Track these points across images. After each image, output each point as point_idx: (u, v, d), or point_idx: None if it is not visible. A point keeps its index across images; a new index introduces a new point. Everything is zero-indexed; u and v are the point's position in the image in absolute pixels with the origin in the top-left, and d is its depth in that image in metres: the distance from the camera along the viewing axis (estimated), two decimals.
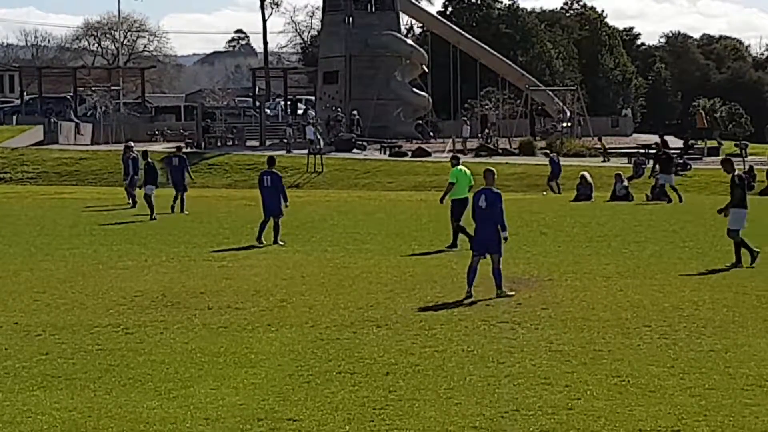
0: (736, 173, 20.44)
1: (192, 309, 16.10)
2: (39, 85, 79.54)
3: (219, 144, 59.43)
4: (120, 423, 10.26)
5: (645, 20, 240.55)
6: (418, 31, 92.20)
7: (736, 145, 53.68)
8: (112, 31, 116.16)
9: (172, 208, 32.35)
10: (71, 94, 76.18)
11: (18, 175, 51.82)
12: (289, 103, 75.83)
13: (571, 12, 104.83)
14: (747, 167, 44.49)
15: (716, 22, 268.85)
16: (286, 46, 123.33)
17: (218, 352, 13.16)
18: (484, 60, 73.01)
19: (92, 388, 11.56)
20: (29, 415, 10.54)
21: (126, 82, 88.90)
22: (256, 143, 60.27)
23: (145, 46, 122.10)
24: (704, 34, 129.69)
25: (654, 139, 54.22)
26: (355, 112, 61.57)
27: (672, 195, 35.05)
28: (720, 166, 21.87)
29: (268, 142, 60.29)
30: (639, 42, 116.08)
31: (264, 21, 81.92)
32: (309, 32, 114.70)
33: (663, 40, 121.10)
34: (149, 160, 32.64)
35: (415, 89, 67.23)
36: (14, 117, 72.22)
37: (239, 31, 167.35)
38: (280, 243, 23.95)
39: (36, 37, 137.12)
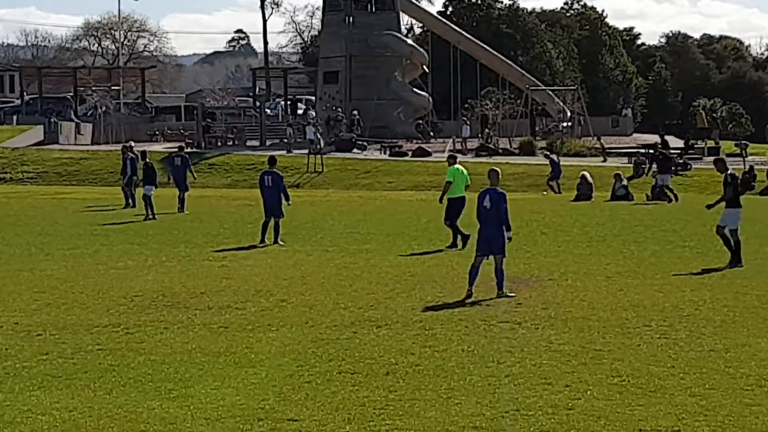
0: (729, 172, 20.47)
1: (192, 309, 16.11)
2: (39, 85, 79.51)
3: (219, 144, 59.44)
4: (120, 423, 10.26)
5: (645, 20, 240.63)
6: (418, 31, 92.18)
7: (736, 145, 53.67)
8: (113, 31, 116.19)
9: (180, 208, 32.37)
10: (71, 94, 76.15)
11: (18, 175, 51.84)
12: (288, 103, 75.77)
13: (572, 12, 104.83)
14: (747, 167, 44.52)
15: (716, 22, 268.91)
16: (286, 46, 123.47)
17: (218, 352, 13.16)
18: (484, 60, 73.01)
19: (92, 387, 11.57)
20: (29, 415, 10.54)
21: (126, 82, 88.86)
22: (256, 143, 60.28)
23: (145, 46, 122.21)
24: (704, 34, 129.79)
25: (654, 138, 54.21)
26: (355, 112, 61.57)
27: (647, 193, 35.36)
28: (713, 166, 21.92)
29: (268, 142, 60.29)
30: (639, 42, 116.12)
31: (264, 21, 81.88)
32: (309, 32, 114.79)
33: (663, 40, 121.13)
34: (148, 160, 32.60)
35: (415, 89, 67.23)
36: (14, 117, 72.20)
37: (239, 31, 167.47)
38: (281, 243, 23.95)
39: (36, 37, 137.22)
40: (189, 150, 50.48)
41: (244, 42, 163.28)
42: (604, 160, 51.37)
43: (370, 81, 64.94)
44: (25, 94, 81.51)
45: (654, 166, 37.66)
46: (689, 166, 48.10)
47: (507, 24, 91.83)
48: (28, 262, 21.47)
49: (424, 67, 68.07)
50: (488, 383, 11.59)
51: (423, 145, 58.02)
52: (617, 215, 30.89)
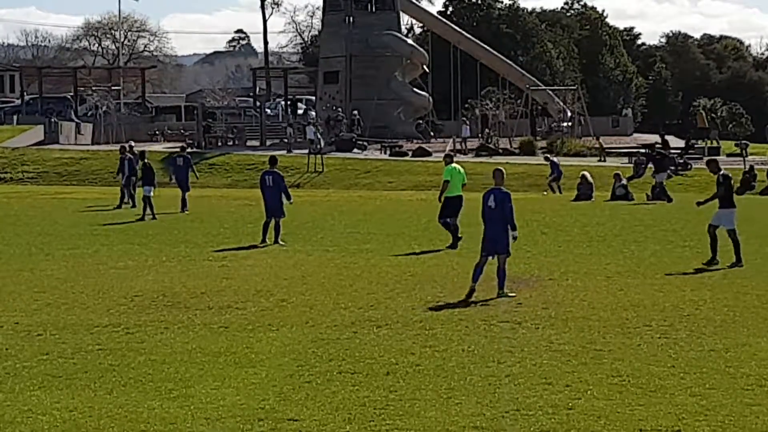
0: (722, 172, 20.52)
1: (192, 309, 16.11)
2: (39, 85, 79.53)
3: (219, 144, 59.47)
4: (120, 423, 10.26)
5: (645, 20, 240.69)
6: (418, 31, 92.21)
7: (736, 145, 53.68)
8: (113, 31, 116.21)
9: (182, 209, 32.37)
10: (72, 94, 76.17)
11: (18, 175, 51.86)
12: (288, 103, 75.78)
13: (572, 12, 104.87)
14: (747, 167, 44.53)
15: (717, 22, 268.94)
16: (286, 46, 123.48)
17: (219, 352, 13.16)
18: (484, 60, 73.03)
19: (93, 387, 11.56)
20: (30, 415, 10.54)
21: (126, 82, 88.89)
22: (256, 143, 60.30)
23: (145, 46, 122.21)
24: (705, 34, 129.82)
25: (654, 138, 54.23)
26: (355, 112, 61.59)
27: (647, 193, 35.44)
28: (706, 167, 22.01)
29: (268, 142, 60.32)
30: (639, 42, 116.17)
31: (264, 21, 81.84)
32: (309, 32, 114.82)
33: (663, 39, 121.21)
34: (146, 160, 32.55)
35: (415, 89, 67.26)
36: (15, 117, 72.22)
37: (240, 31, 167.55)
38: (281, 243, 23.95)
39: (36, 37, 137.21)
40: (189, 150, 50.52)
41: (244, 42, 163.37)
42: (603, 160, 51.36)
43: (370, 81, 64.97)
44: (25, 94, 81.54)
45: (651, 165, 37.73)
46: (689, 166, 48.12)
47: (507, 24, 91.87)
48: (29, 262, 21.48)
49: (425, 67, 68.10)
50: (488, 383, 11.59)
51: (423, 145, 58.04)
52: (617, 215, 30.89)
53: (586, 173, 38.45)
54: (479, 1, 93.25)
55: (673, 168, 45.04)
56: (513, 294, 16.88)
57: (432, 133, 64.74)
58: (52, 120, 61.73)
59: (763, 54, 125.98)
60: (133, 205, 33.82)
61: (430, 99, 67.59)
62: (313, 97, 76.02)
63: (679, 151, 52.48)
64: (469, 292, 16.74)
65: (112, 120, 63.92)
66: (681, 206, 33.34)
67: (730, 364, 12.31)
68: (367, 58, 65.81)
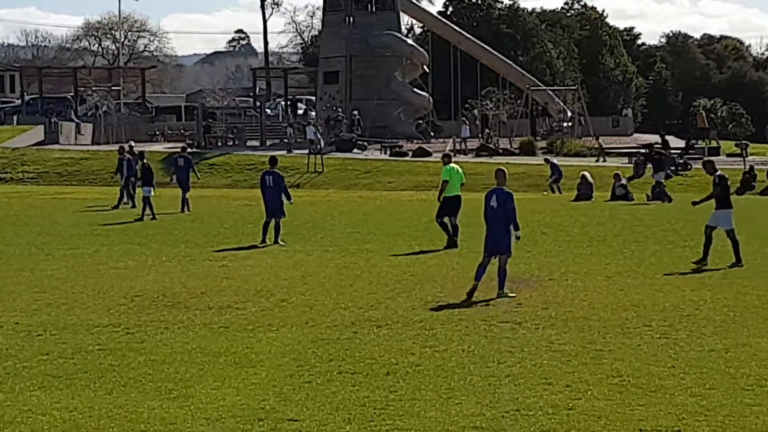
0: (718, 173, 20.55)
1: (192, 309, 16.11)
2: (39, 85, 79.53)
3: (219, 144, 59.47)
4: (120, 423, 10.26)
5: (645, 20, 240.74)
6: (418, 31, 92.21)
7: (736, 145, 53.67)
8: (113, 31, 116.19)
9: (182, 208, 32.39)
10: (72, 94, 76.17)
11: (18, 175, 51.86)
12: (288, 103, 75.78)
13: (572, 12, 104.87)
14: (748, 167, 44.53)
15: (717, 22, 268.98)
16: (286, 46, 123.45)
17: (219, 352, 13.16)
18: (484, 60, 73.03)
19: (93, 388, 11.56)
20: (30, 415, 10.54)
21: (126, 82, 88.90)
22: (256, 143, 60.30)
23: (145, 46, 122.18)
24: (705, 34, 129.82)
25: (655, 138, 54.24)
26: (355, 112, 61.59)
27: (647, 193, 35.55)
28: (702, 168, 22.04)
29: (268, 142, 60.32)
30: (639, 42, 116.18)
31: (264, 21, 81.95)
32: (309, 32, 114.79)
33: (663, 40, 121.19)
34: (145, 161, 32.47)
35: (415, 89, 67.25)
36: (15, 117, 72.21)
37: (240, 31, 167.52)
38: (281, 243, 23.95)
39: (36, 37, 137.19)
40: (189, 150, 50.53)
41: (244, 42, 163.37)
42: (602, 160, 51.33)
43: (370, 81, 64.97)
44: (25, 94, 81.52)
45: (649, 165, 37.83)
46: (689, 166, 48.10)
47: (507, 24, 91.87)
48: (29, 262, 21.48)
49: (425, 67, 68.10)
50: (488, 383, 11.59)
51: (423, 145, 58.04)
52: (617, 215, 30.90)
53: (586, 173, 38.46)
54: (479, 1, 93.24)
55: (673, 168, 45.06)
56: (513, 294, 16.88)
57: (432, 133, 64.73)
58: (52, 120, 61.74)
59: (763, 54, 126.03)
60: (133, 206, 33.81)
61: (430, 99, 67.59)
62: (313, 97, 76.02)
63: (679, 152, 52.46)
64: (471, 289, 16.74)
65: (112, 120, 63.92)
66: (681, 206, 33.34)
67: (730, 365, 12.31)
68: (367, 58, 65.81)
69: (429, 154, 53.84)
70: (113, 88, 76.77)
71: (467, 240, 23.57)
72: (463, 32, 75.98)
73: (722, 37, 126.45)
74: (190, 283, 18.56)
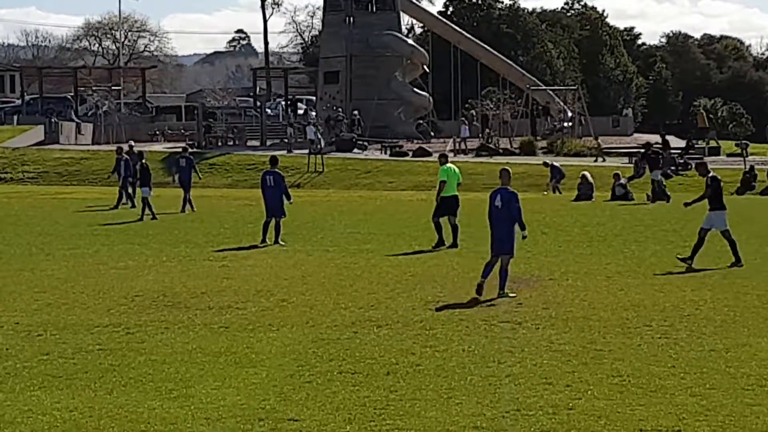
0: (710, 174, 20.59)
1: (193, 309, 16.11)
2: (40, 85, 79.51)
3: (220, 144, 59.46)
4: (121, 423, 10.26)
5: (646, 20, 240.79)
6: (418, 31, 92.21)
7: (737, 145, 53.68)
8: (113, 31, 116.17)
9: (183, 208, 32.40)
10: (72, 94, 76.16)
11: (19, 175, 51.86)
12: (289, 103, 75.76)
13: (572, 12, 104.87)
14: (748, 167, 44.53)
15: (717, 22, 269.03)
16: (287, 46, 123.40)
17: (219, 352, 13.16)
18: (484, 60, 73.02)
19: (93, 388, 11.57)
20: (30, 415, 10.54)
21: (127, 82, 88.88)
22: (257, 143, 60.29)
23: (145, 46, 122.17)
24: (705, 34, 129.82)
25: (655, 138, 54.24)
26: (355, 112, 61.58)
27: (642, 194, 35.65)
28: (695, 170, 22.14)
29: (268, 142, 60.30)
30: (640, 42, 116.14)
31: (265, 21, 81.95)
32: (310, 32, 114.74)
33: (664, 39, 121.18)
34: (144, 161, 32.41)
35: (415, 89, 67.23)
36: (15, 117, 72.19)
37: (240, 31, 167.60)
38: (281, 243, 23.95)
39: (37, 37, 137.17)
40: (190, 150, 50.53)
41: (244, 42, 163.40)
42: (600, 160, 51.31)
43: (370, 81, 64.95)
44: (25, 94, 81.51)
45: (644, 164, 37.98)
46: (690, 166, 48.05)
47: (507, 24, 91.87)
48: (29, 262, 21.48)
49: (425, 67, 68.08)
50: (489, 383, 11.59)
51: (423, 145, 58.03)
52: (618, 215, 30.90)
53: (586, 173, 38.46)
54: (479, 1, 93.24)
55: (673, 168, 45.06)
56: (513, 294, 16.89)
57: (432, 133, 64.72)
58: (53, 120, 61.72)
59: (763, 54, 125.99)
60: (132, 206, 33.79)
61: (431, 99, 67.58)
62: (314, 97, 76.00)
63: (679, 151, 52.46)
64: (478, 287, 16.76)
65: (112, 120, 63.89)
66: (681, 206, 33.33)
67: (730, 364, 12.31)
68: (367, 58, 65.79)
69: (429, 154, 53.82)
70: (113, 88, 76.76)
71: (467, 240, 23.57)
72: (464, 32, 75.97)
73: (722, 37, 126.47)
74: (190, 283, 18.56)
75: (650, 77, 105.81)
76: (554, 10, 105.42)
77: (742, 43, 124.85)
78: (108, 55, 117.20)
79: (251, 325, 14.82)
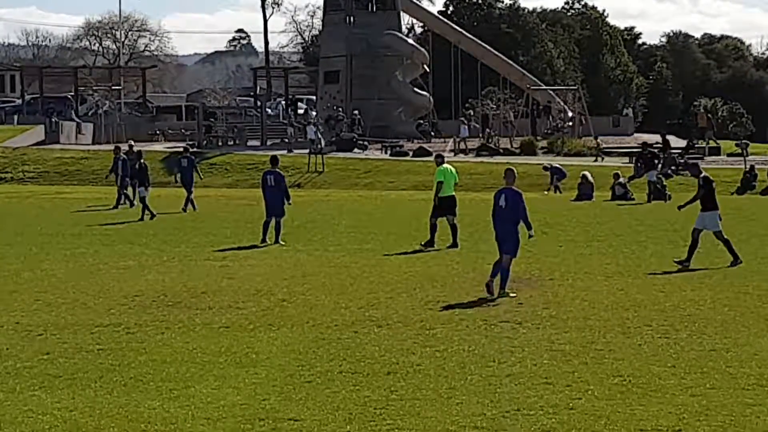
0: (702, 175, 20.61)
1: (193, 309, 16.11)
2: (40, 84, 79.47)
3: (220, 144, 59.42)
4: (121, 423, 10.26)
5: (646, 20, 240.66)
6: (419, 30, 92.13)
7: (737, 145, 53.62)
8: (113, 31, 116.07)
9: (184, 208, 32.40)
10: (72, 93, 76.10)
11: (19, 174, 51.84)
12: (289, 102, 75.73)
13: (573, 11, 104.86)
14: (748, 167, 44.52)
15: (717, 22, 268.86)
16: (287, 45, 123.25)
17: (219, 352, 13.17)
18: (485, 60, 72.98)
19: (93, 387, 11.57)
20: (30, 414, 10.55)
21: (127, 81, 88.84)
22: (257, 143, 60.25)
23: (146, 46, 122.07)
24: (705, 34, 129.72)
25: (655, 138, 54.21)
26: (356, 111, 61.56)
27: (642, 193, 35.72)
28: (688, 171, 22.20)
29: (269, 142, 60.27)
30: (640, 41, 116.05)
31: (265, 21, 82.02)
32: (310, 32, 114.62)
33: (664, 39, 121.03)
34: (142, 161, 32.37)
35: (416, 89, 67.21)
36: (15, 116, 72.14)
37: (240, 30, 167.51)
38: (282, 243, 23.96)
39: (37, 36, 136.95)
40: (191, 150, 50.51)
41: (245, 41, 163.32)
42: (598, 160, 51.28)
43: (370, 80, 64.92)
44: (25, 93, 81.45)
45: (640, 163, 38.11)
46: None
47: (508, 24, 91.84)
48: (29, 262, 21.48)
49: (425, 66, 68.05)
50: (489, 383, 11.59)
51: (424, 145, 58.02)
52: (618, 215, 30.90)
53: (586, 173, 38.46)
54: (480, 1, 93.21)
55: (674, 168, 45.04)
56: (514, 294, 16.89)
57: (432, 133, 64.70)
58: (53, 120, 61.66)
59: (763, 54, 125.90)
60: (131, 205, 33.76)
61: (431, 99, 67.56)
62: (314, 97, 75.95)
63: (679, 151, 52.42)
64: (486, 287, 16.78)
65: (112, 120, 63.86)
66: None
67: (730, 364, 12.31)
68: (367, 58, 65.75)
69: (429, 154, 53.70)
70: (114, 87, 76.73)
71: (467, 240, 23.59)
72: (464, 32, 75.94)
73: (723, 37, 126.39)
74: (190, 282, 18.57)
75: (650, 77, 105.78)
76: (555, 9, 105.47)
77: (742, 42, 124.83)
78: (108, 55, 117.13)
79: (251, 325, 14.82)
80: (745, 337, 13.80)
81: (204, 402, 10.92)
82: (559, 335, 13.97)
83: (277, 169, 25.00)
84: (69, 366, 12.54)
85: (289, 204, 24.89)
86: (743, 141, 53.31)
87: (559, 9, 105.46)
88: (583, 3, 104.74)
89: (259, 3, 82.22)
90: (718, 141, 57.22)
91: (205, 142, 58.42)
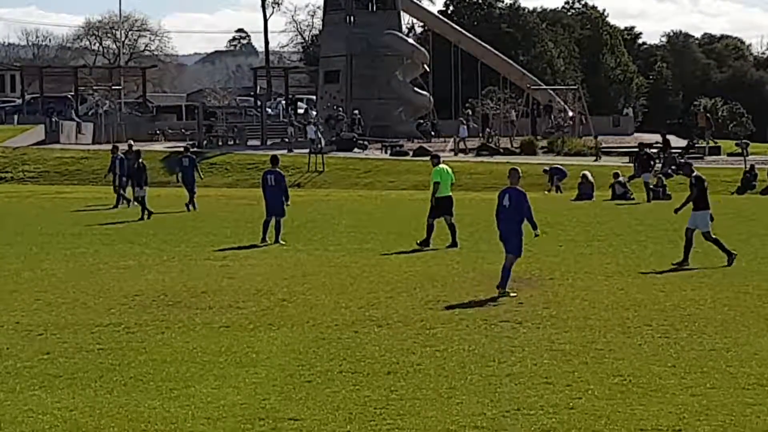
0: (694, 174, 20.64)
1: (193, 308, 16.11)
2: (40, 84, 79.47)
3: (220, 143, 59.41)
4: (121, 422, 10.26)
5: (646, 19, 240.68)
6: (419, 30, 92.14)
7: (737, 145, 53.62)
8: (114, 31, 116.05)
9: (188, 207, 32.41)
10: (72, 93, 76.09)
11: (19, 174, 51.84)
12: (289, 102, 75.72)
13: (573, 11, 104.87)
14: (748, 166, 44.52)
15: (718, 22, 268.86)
16: (287, 45, 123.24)
17: (219, 352, 13.17)
18: (485, 59, 72.98)
19: (93, 387, 11.57)
20: (31, 414, 10.55)
21: (127, 81, 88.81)
22: (257, 142, 60.24)
23: (146, 46, 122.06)
24: (705, 34, 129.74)
25: (656, 138, 54.22)
26: (356, 111, 61.55)
27: (642, 193, 35.70)
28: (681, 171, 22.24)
29: (269, 142, 60.26)
30: (640, 41, 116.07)
31: (265, 20, 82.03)
32: (310, 31, 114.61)
33: (664, 39, 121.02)
34: (141, 161, 32.34)
35: (416, 89, 67.20)
36: (15, 116, 72.13)
37: (240, 30, 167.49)
38: (282, 242, 23.96)
39: (37, 36, 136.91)
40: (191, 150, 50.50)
41: (245, 41, 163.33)
42: (597, 159, 51.26)
43: (370, 80, 64.91)
44: (26, 93, 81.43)
45: (635, 164, 38.16)
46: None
47: (508, 23, 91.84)
48: (29, 262, 21.48)
49: (425, 66, 68.04)
50: (489, 383, 11.59)
51: (424, 145, 58.00)
52: (618, 215, 30.89)
53: (587, 173, 38.46)
54: (480, 1, 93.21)
55: (674, 167, 45.04)
56: (514, 293, 16.89)
57: (433, 133, 64.69)
58: (53, 119, 61.65)
59: (763, 53, 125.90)
60: (129, 205, 33.73)
61: (431, 98, 67.55)
62: (314, 97, 75.95)
63: (680, 151, 52.42)
64: (498, 287, 16.84)
65: (113, 120, 63.84)
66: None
67: (730, 364, 12.31)
68: (367, 58, 65.73)
69: (429, 154, 53.76)
70: (114, 87, 76.70)
71: (467, 239, 23.59)
72: (464, 31, 75.94)
73: (723, 37, 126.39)
74: (190, 282, 18.57)
75: (651, 77, 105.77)
76: (555, 9, 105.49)
77: (742, 42, 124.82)
78: (108, 55, 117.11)
79: (252, 325, 14.82)
80: (745, 337, 13.80)
81: (204, 402, 10.92)
82: (559, 335, 13.97)
83: (278, 169, 25.01)
84: (69, 366, 12.54)
85: (288, 205, 24.87)
86: (743, 141, 53.30)
87: (559, 9, 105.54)
88: (583, 3, 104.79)
89: (259, 3, 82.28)
90: (718, 141, 57.23)
91: (205, 141, 58.40)
